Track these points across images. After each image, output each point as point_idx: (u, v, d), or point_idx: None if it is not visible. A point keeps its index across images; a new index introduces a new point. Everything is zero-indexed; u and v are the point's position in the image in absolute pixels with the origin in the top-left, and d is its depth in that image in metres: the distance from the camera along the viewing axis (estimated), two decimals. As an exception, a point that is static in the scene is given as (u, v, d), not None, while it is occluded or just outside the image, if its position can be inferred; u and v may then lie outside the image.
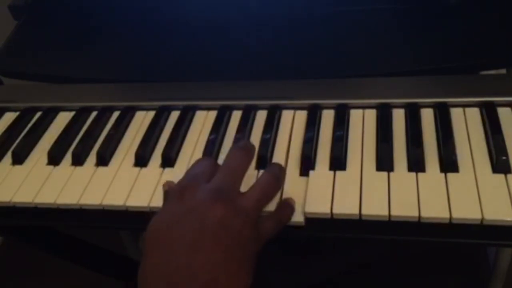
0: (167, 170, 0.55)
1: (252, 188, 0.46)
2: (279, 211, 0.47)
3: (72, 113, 0.65)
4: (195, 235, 0.40)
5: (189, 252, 0.40)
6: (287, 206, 0.48)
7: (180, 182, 0.46)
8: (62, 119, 0.65)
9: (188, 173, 0.48)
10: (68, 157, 0.59)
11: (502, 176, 0.48)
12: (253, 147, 0.51)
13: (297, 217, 0.48)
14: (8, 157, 0.60)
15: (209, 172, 0.47)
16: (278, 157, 0.54)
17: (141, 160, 0.57)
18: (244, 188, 0.47)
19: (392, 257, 1.07)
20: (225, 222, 0.41)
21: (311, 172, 0.51)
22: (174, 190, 0.45)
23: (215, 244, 0.40)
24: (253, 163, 0.53)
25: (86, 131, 0.62)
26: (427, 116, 0.55)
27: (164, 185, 0.50)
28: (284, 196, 0.49)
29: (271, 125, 0.57)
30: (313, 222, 0.48)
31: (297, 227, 0.48)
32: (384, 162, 0.50)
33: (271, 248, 0.46)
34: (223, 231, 0.41)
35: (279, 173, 0.49)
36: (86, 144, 0.60)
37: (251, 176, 0.51)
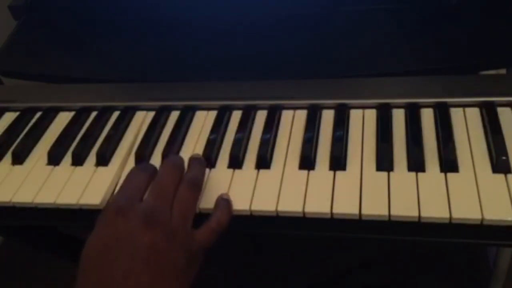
0: (167, 170, 0.55)
1: (175, 205, 0.46)
2: (212, 218, 0.48)
3: (72, 113, 0.65)
4: (128, 260, 0.42)
5: (122, 276, 0.42)
6: (219, 210, 0.49)
7: (114, 201, 0.46)
8: (62, 119, 0.65)
9: (122, 189, 0.48)
10: (68, 157, 0.59)
11: (502, 176, 0.48)
12: (181, 159, 0.51)
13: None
14: (8, 157, 0.60)
15: (144, 188, 0.47)
16: (278, 157, 0.54)
17: (141, 160, 0.56)
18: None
19: (392, 257, 1.07)
20: (154, 247, 0.43)
21: (311, 172, 0.51)
22: (109, 211, 0.46)
23: (145, 267, 0.42)
24: (253, 163, 0.53)
25: (86, 131, 0.62)
26: (427, 116, 0.55)
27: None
28: (283, 194, 0.49)
29: (271, 125, 0.57)
30: (313, 222, 0.48)
31: (296, 227, 0.48)
32: (384, 162, 0.50)
33: (271, 248, 0.46)
34: (153, 256, 0.43)
35: (196, 178, 0.50)
36: (86, 144, 0.60)
37: (251, 176, 0.51)
